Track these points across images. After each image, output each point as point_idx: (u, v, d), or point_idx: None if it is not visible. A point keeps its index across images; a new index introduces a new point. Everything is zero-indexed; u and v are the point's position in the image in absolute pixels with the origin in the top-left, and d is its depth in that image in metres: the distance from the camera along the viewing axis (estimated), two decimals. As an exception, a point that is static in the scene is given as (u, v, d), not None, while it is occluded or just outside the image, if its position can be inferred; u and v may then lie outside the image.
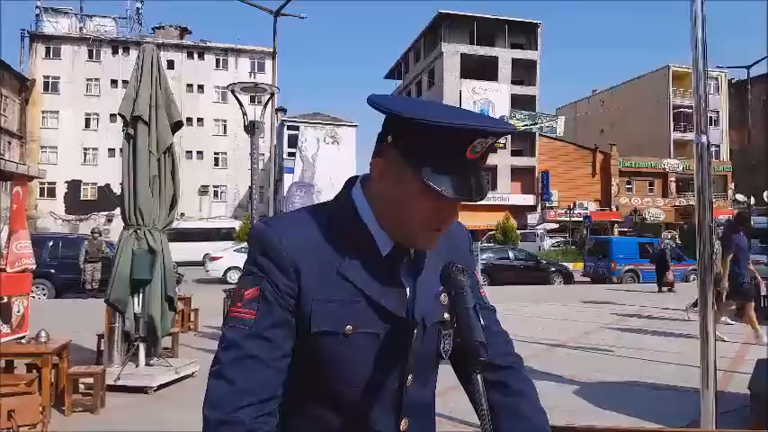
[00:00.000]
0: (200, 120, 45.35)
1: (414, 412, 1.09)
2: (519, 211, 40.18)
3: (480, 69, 43.73)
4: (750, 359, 6.41)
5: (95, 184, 43.76)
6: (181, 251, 22.23)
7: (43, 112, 44.04)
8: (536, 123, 43.20)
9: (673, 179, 46.33)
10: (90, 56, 44.86)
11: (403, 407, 1.07)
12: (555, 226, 41.39)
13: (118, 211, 10.25)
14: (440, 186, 0.93)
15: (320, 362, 1.02)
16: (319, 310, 1.00)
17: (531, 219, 42.46)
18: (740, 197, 43.71)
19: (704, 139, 3.18)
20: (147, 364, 6.17)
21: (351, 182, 1.12)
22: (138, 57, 6.40)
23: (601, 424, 4.88)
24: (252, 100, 9.87)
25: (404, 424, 1.08)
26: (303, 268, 1.00)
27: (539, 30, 46.37)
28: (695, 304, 9.02)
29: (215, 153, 46.35)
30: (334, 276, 1.01)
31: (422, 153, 0.94)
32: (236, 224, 29.14)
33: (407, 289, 1.07)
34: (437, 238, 1.04)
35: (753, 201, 36.30)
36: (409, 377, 1.07)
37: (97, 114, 44.23)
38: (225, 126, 46.24)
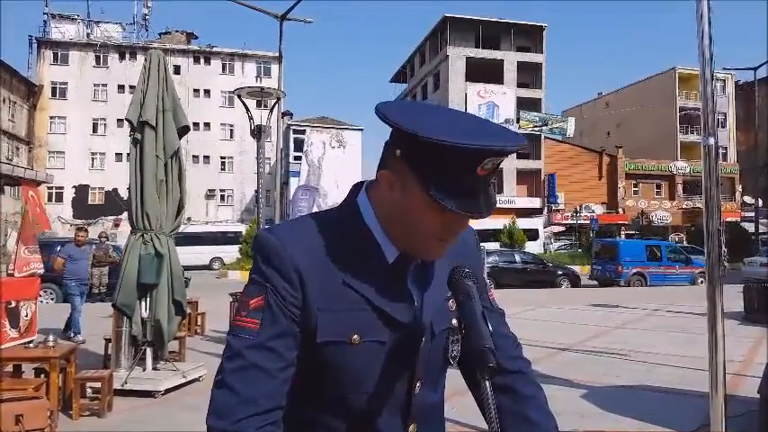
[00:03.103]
0: (206, 124, 45.48)
1: (422, 418, 1.08)
2: (525, 214, 40.11)
3: (486, 72, 43.72)
4: (759, 363, 6.36)
5: (103, 188, 43.98)
6: (188, 255, 22.34)
7: (51, 117, 44.31)
8: (546, 125, 43.12)
9: (680, 181, 46.14)
10: (97, 61, 45.13)
11: (411, 413, 1.06)
12: (561, 229, 41.28)
13: (125, 215, 10.28)
14: (449, 203, 0.92)
15: (326, 370, 1.02)
16: (325, 319, 0.99)
17: (538, 221, 42.35)
18: (748, 199, 43.54)
19: (712, 140, 3.17)
20: (155, 369, 6.18)
21: (356, 188, 1.11)
22: (145, 62, 6.42)
23: (608, 428, 4.86)
24: (258, 104, 9.90)
25: (412, 429, 1.07)
26: (307, 276, 0.99)
27: (544, 33, 46.36)
28: None
29: (221, 157, 46.49)
30: (340, 285, 1.00)
31: (431, 169, 0.92)
32: (243, 228, 29.17)
33: (415, 295, 1.05)
34: (444, 248, 1.03)
35: (760, 203, 36.10)
36: (417, 383, 1.06)
37: (104, 119, 44.47)
38: (231, 130, 46.39)
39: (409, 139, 0.92)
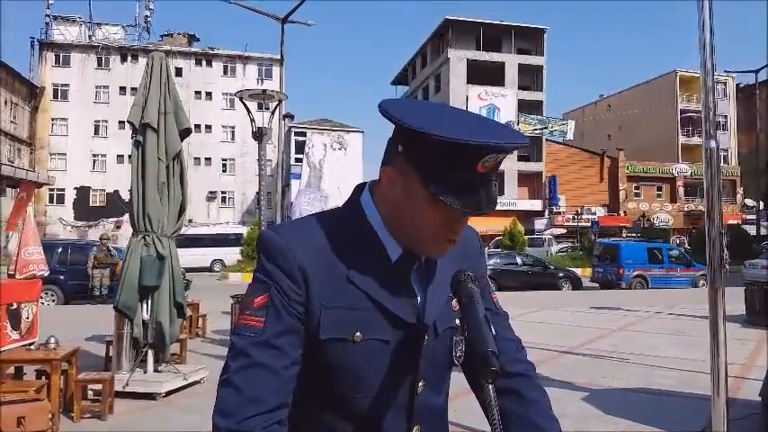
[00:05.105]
0: (208, 126, 45.53)
1: (426, 419, 1.09)
2: (526, 217, 40.10)
3: (487, 75, 43.77)
4: (761, 366, 6.35)
5: (104, 190, 44.01)
6: (189, 257, 22.34)
7: (53, 119, 44.37)
8: (546, 128, 43.16)
9: (681, 184, 46.13)
10: (99, 63, 45.19)
11: (415, 413, 1.06)
12: (562, 231, 41.26)
13: (126, 217, 10.27)
14: (450, 200, 0.93)
15: (330, 368, 1.02)
16: (328, 316, 1.00)
17: (539, 224, 42.35)
18: (749, 201, 43.49)
19: (713, 143, 3.16)
20: (156, 371, 6.18)
21: (359, 188, 1.12)
22: (147, 64, 6.43)
23: (610, 431, 4.86)
24: (259, 107, 9.90)
25: (416, 431, 1.07)
26: (311, 274, 1.00)
27: (545, 35, 46.41)
28: None
29: (223, 159, 46.53)
30: (343, 282, 1.01)
31: (433, 165, 0.93)
32: (244, 230, 29.16)
33: (417, 294, 1.06)
34: (447, 246, 1.04)
35: (762, 205, 36.05)
36: (420, 383, 1.06)
37: (106, 121, 44.52)
38: (233, 132, 46.43)
39: (410, 134, 0.93)
